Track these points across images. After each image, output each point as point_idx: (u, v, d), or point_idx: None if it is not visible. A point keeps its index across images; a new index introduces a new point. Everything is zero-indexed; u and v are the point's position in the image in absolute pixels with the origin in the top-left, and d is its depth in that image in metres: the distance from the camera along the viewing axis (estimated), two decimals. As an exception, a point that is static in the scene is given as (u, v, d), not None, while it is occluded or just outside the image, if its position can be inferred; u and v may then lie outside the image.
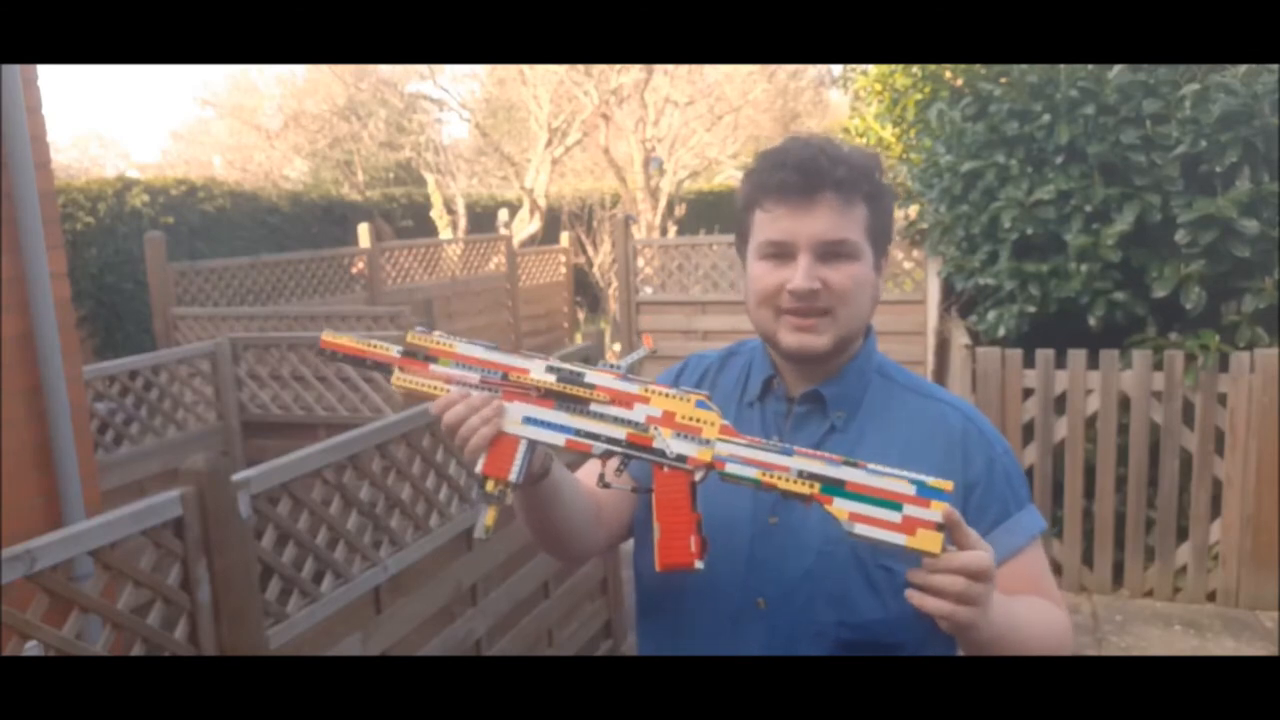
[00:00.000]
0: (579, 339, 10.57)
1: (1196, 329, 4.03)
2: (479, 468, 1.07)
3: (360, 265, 8.68)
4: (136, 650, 1.87)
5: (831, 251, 1.14)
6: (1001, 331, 4.33)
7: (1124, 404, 4.09)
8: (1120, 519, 4.18)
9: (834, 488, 0.99)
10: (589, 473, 1.26)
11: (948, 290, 5.33)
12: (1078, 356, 4.10)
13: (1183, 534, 4.14)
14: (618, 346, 8.18)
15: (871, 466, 0.99)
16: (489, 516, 1.07)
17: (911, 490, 0.96)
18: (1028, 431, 4.17)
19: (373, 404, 4.78)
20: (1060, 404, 4.14)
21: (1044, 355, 4.10)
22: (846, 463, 1.00)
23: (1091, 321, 4.13)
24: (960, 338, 4.50)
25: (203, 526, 1.96)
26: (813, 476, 1.00)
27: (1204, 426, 4.01)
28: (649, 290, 7.85)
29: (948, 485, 0.96)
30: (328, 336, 1.14)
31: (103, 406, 4.48)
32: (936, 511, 0.95)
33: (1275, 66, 3.90)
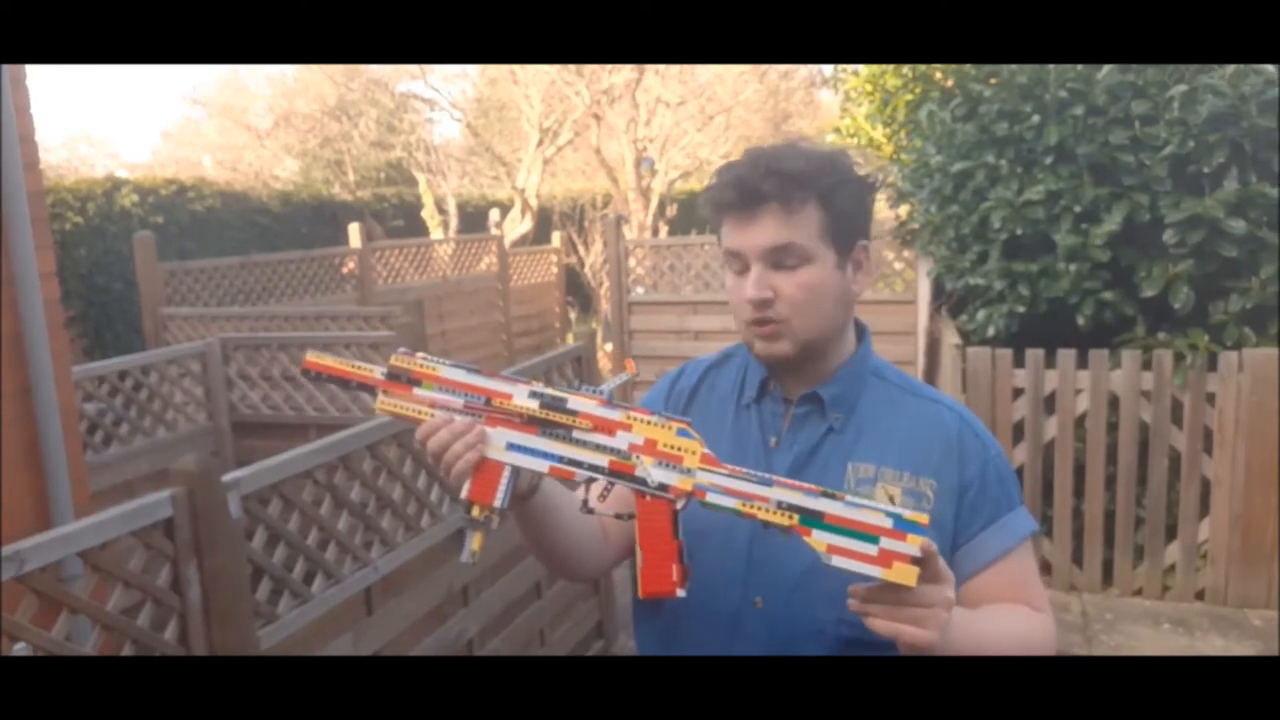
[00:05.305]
0: (570, 339, 10.54)
1: (1185, 328, 4.06)
2: (464, 494, 1.07)
3: (351, 265, 8.65)
4: (126, 651, 1.86)
5: (778, 260, 1.16)
6: (991, 331, 4.35)
7: (1113, 403, 4.11)
8: (1109, 518, 4.20)
9: (812, 520, 1.00)
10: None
11: (938, 290, 5.34)
12: (1067, 356, 4.11)
13: (1171, 533, 4.16)
14: (609, 346, 8.17)
15: (849, 498, 1.00)
16: (475, 541, 1.07)
17: (888, 524, 0.98)
18: (1018, 431, 4.18)
19: (364, 404, 4.77)
20: (1050, 403, 4.16)
21: (1034, 355, 4.12)
22: (825, 494, 1.01)
23: (1080, 321, 4.15)
24: (950, 337, 4.51)
25: (193, 527, 1.96)
26: (791, 508, 1.01)
27: (1193, 425, 4.03)
28: (641, 290, 7.83)
29: (923, 519, 0.98)
30: (312, 356, 1.13)
31: (92, 407, 4.45)
32: (913, 545, 0.97)
33: (1262, 68, 3.93)
